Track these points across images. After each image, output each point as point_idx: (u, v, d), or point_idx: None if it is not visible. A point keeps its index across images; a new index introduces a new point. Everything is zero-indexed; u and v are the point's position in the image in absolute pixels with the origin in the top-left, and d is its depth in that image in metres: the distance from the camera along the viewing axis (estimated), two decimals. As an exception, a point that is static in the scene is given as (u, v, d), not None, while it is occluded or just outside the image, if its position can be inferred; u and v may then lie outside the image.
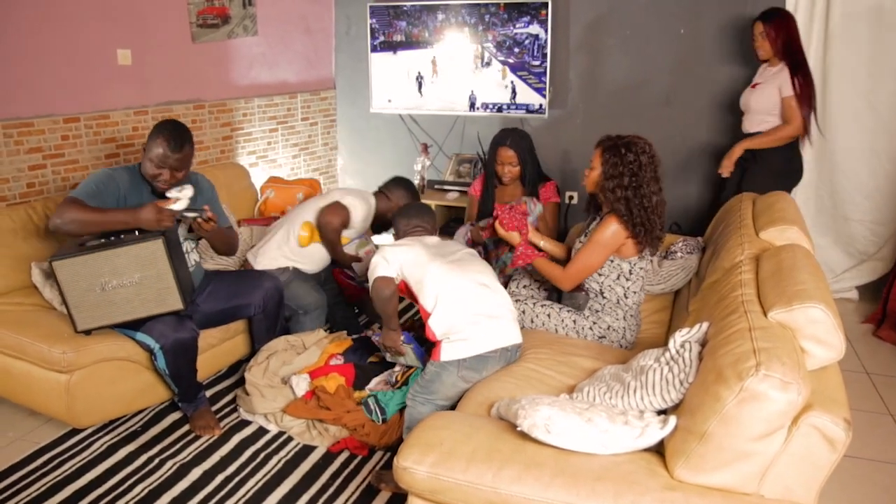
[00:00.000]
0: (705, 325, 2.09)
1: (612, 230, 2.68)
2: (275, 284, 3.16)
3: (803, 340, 1.84)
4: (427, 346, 3.08)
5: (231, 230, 3.09)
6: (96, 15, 3.52)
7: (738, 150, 3.71)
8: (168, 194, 2.74)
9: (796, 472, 1.68)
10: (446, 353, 2.53)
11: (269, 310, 3.15)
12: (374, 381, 2.97)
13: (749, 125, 3.79)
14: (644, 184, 2.63)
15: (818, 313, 1.84)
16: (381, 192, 3.56)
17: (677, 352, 2.02)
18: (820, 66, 4.07)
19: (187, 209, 2.74)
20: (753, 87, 3.78)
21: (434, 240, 2.88)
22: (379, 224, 3.56)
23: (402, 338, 2.80)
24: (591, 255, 2.72)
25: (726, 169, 3.76)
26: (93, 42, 3.53)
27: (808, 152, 4.22)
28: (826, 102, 4.09)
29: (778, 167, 3.66)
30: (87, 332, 2.70)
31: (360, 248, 3.55)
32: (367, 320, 3.87)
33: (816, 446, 1.65)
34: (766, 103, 3.66)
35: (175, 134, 2.72)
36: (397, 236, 2.98)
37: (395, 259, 2.69)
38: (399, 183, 3.57)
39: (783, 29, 3.60)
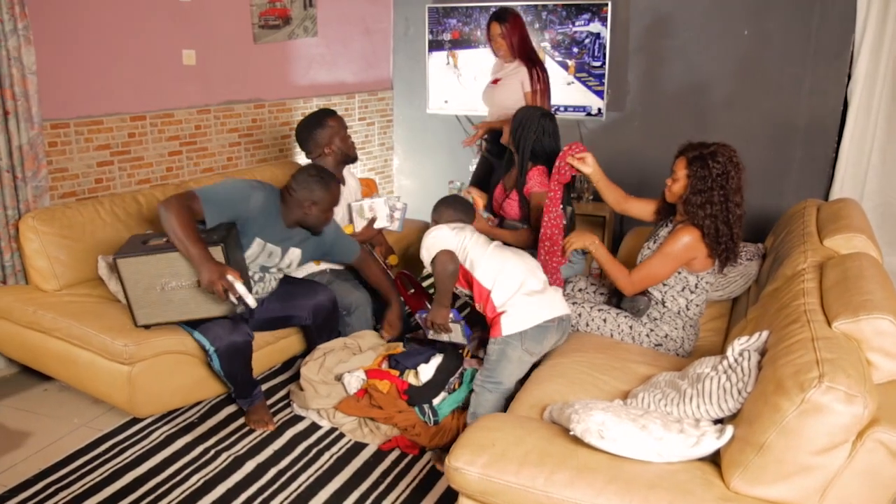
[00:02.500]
0: (765, 333, 2.04)
1: (684, 243, 2.59)
2: (328, 297, 3.12)
3: (870, 352, 1.79)
4: (477, 333, 3.09)
5: None
6: (164, 17, 3.62)
7: (481, 130, 3.96)
8: (238, 286, 2.55)
9: (860, 489, 1.63)
10: (507, 326, 2.58)
11: (320, 323, 3.12)
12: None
13: (495, 118, 3.95)
14: (731, 196, 2.53)
15: (886, 325, 1.78)
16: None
17: (735, 360, 1.98)
18: (892, 67, 3.93)
19: (243, 301, 2.60)
20: (494, 83, 3.93)
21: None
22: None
23: (451, 315, 2.83)
24: (660, 265, 2.64)
25: (467, 142, 4.07)
26: (160, 43, 3.63)
27: (875, 157, 4.09)
28: (896, 105, 3.97)
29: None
30: (147, 327, 2.78)
31: (361, 214, 3.37)
32: (415, 325, 3.62)
33: (882, 463, 1.60)
34: (510, 98, 3.83)
35: (333, 177, 2.93)
36: (439, 222, 2.94)
37: (459, 237, 2.74)
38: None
39: (517, 28, 3.78)
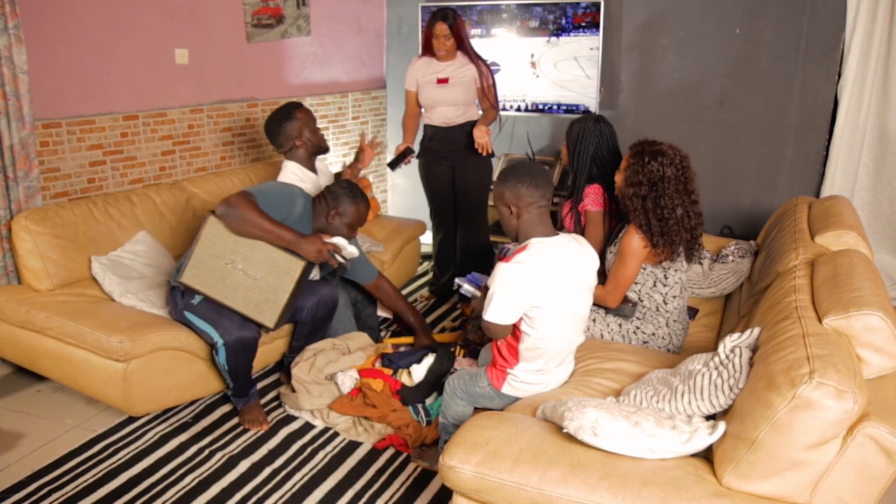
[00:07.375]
0: (757, 330, 2.05)
1: (633, 238, 2.62)
2: (331, 293, 3.12)
3: (860, 348, 1.80)
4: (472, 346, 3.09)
5: None
6: (157, 16, 3.61)
7: (486, 134, 3.79)
8: (335, 240, 2.84)
9: (851, 484, 1.64)
10: (509, 389, 2.42)
11: (318, 317, 3.11)
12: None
13: (449, 117, 3.93)
14: (664, 195, 2.56)
15: (876, 321, 1.79)
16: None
17: (727, 357, 1.99)
18: (882, 65, 3.96)
19: (347, 254, 2.88)
20: (441, 82, 3.89)
21: (558, 242, 2.29)
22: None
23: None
24: (623, 267, 2.67)
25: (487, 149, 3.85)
26: (153, 42, 3.62)
27: (865, 154, 4.12)
28: (887, 100, 3.98)
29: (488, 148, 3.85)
30: (184, 289, 2.83)
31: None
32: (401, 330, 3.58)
33: (873, 458, 1.61)
34: (467, 95, 3.91)
35: (363, 197, 3.01)
36: (511, 208, 2.29)
37: (529, 297, 2.23)
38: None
39: (461, 26, 3.82)
